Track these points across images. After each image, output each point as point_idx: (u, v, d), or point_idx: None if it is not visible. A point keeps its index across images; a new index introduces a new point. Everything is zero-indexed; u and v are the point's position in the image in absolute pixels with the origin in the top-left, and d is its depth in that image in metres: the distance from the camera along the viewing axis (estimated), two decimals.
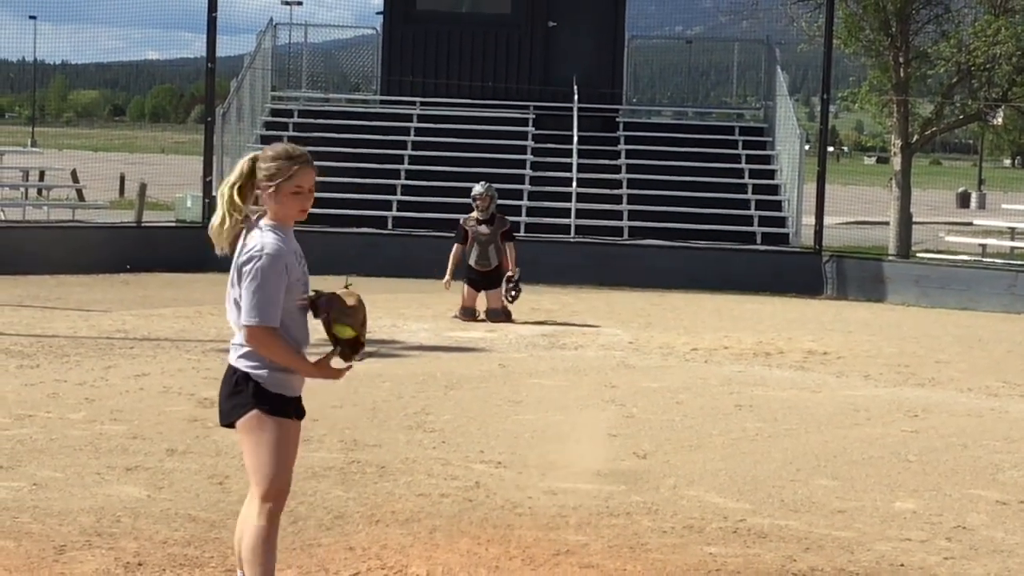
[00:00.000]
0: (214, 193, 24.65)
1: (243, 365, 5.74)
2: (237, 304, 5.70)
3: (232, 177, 5.76)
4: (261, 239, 5.66)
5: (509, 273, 18.17)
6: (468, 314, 18.13)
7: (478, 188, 18.53)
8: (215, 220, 5.77)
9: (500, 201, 23.65)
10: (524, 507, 8.31)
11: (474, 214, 18.49)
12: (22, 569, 6.75)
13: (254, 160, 5.78)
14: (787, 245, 25.42)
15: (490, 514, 8.12)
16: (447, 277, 18.27)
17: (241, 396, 5.75)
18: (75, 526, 7.50)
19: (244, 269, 5.63)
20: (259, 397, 5.76)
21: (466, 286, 18.23)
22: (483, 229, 18.35)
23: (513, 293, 18.15)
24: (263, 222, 5.74)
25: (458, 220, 18.92)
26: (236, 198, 5.73)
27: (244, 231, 5.75)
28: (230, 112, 25.81)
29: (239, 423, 5.79)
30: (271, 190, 5.71)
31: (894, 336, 18.27)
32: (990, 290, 22.84)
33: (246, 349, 5.72)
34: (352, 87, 32.07)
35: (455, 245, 18.48)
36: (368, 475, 8.93)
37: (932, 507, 8.77)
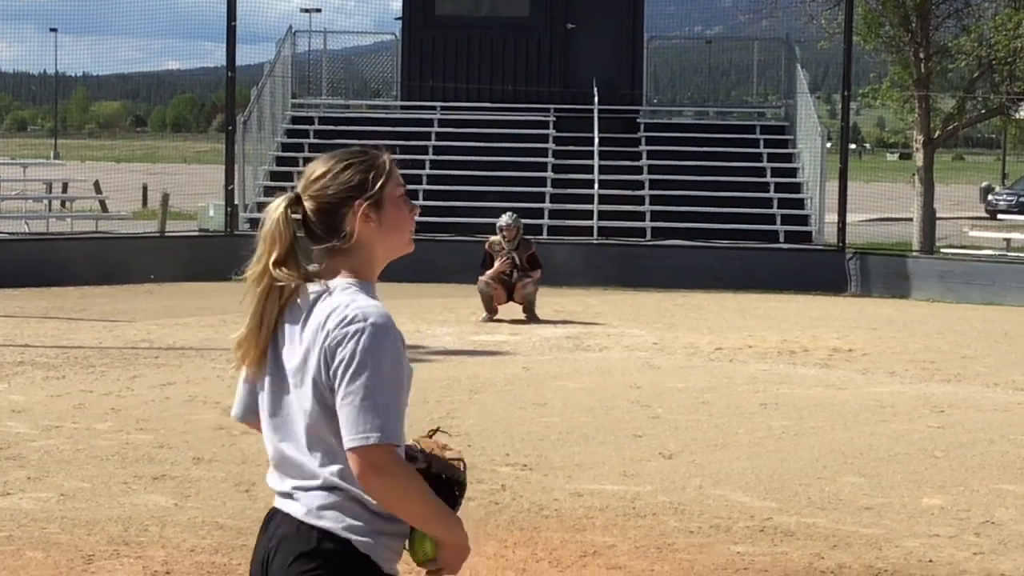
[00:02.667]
0: (236, 202, 24.73)
1: (332, 522, 3.43)
2: (321, 414, 3.44)
3: (268, 247, 3.58)
4: (350, 302, 3.48)
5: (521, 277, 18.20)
6: (490, 308, 18.21)
7: (505, 220, 18.49)
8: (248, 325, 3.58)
9: (522, 204, 23.71)
10: (550, 509, 8.31)
11: (498, 239, 18.48)
12: None
13: (291, 201, 3.57)
14: (810, 243, 25.36)
15: (516, 517, 8.13)
16: (485, 314, 18.27)
17: (321, 571, 3.43)
18: (103, 535, 7.52)
19: (340, 351, 3.40)
20: None
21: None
22: (513, 255, 18.35)
23: (522, 277, 18.15)
24: (338, 281, 3.55)
25: (483, 241, 18.91)
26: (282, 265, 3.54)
27: (292, 303, 3.54)
28: (251, 120, 25.86)
29: None
30: (367, 213, 3.66)
31: (919, 332, 18.22)
32: (1015, 284, 22.75)
33: (334, 497, 3.44)
34: (372, 93, 32.11)
35: (482, 272, 18.38)
36: None
37: (960, 502, 8.74)
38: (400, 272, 22.79)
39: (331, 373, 3.37)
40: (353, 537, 3.43)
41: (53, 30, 72.63)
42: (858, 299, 23.11)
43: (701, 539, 7.75)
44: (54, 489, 8.53)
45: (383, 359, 3.44)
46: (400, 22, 30.52)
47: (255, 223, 25.59)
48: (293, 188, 3.59)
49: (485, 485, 8.89)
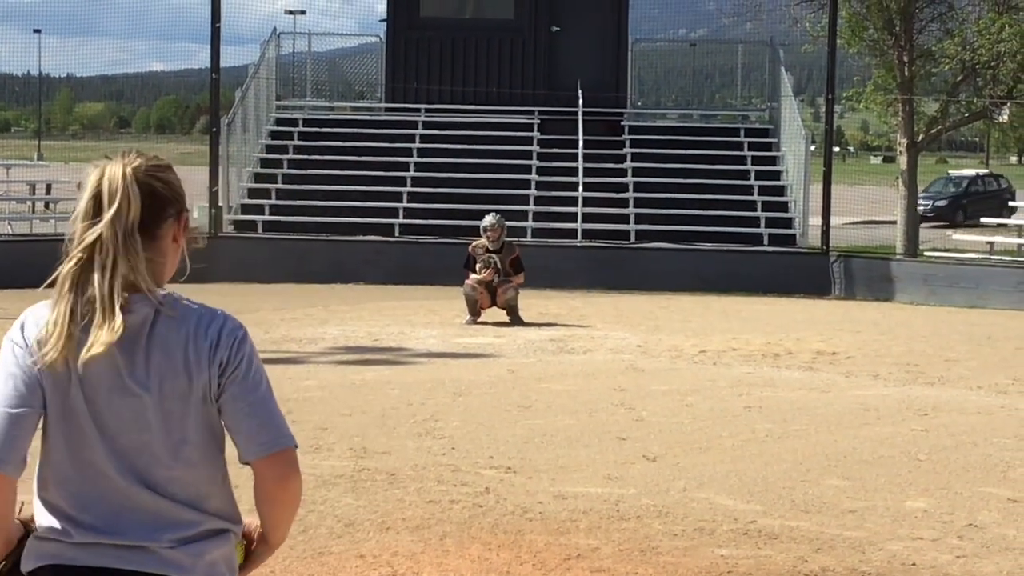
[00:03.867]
0: (220, 203, 24.71)
1: (208, 570, 3.18)
2: (211, 440, 3.22)
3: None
4: (204, 308, 3.25)
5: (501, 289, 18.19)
6: (474, 311, 18.21)
7: (489, 220, 18.50)
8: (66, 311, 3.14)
9: (507, 207, 23.72)
10: (534, 512, 8.31)
11: (483, 241, 18.47)
12: None
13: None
14: (794, 246, 25.41)
15: (500, 519, 8.12)
16: (469, 317, 18.26)
17: None
18: None
19: (239, 356, 3.18)
20: None
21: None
22: (494, 259, 18.34)
23: (503, 282, 18.15)
24: (163, 292, 3.22)
25: (467, 244, 18.93)
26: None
27: (128, 310, 3.11)
28: (235, 122, 25.83)
29: None
30: (184, 223, 3.34)
31: (903, 335, 18.25)
32: (998, 287, 22.81)
33: (221, 541, 3.22)
34: (357, 95, 32.08)
35: (467, 274, 18.38)
36: (378, 482, 8.93)
37: (943, 506, 8.75)
38: (384, 274, 22.72)
39: (214, 387, 3.16)
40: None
41: (37, 31, 72.41)
42: (842, 302, 23.15)
43: (685, 542, 7.75)
44: (32, 492, 8.49)
45: (261, 363, 3.27)
46: (384, 24, 30.53)
47: (240, 225, 25.65)
48: (107, 158, 3.30)
49: (469, 488, 8.88)
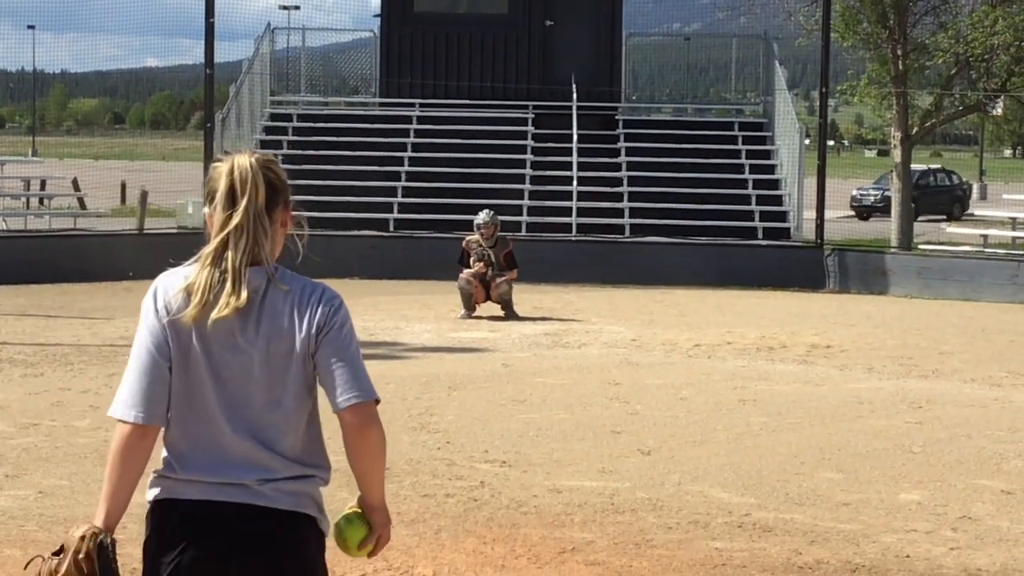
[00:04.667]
0: None
1: (309, 504, 3.76)
2: (306, 398, 3.73)
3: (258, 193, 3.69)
4: (310, 282, 3.79)
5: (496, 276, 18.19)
6: (469, 306, 18.22)
7: (483, 217, 18.48)
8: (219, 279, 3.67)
9: (501, 201, 23.73)
10: (529, 506, 8.32)
11: (477, 237, 18.46)
12: None
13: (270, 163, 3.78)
14: (789, 239, 25.42)
15: (495, 513, 8.13)
16: (463, 311, 18.27)
17: (308, 559, 3.78)
18: None
19: (334, 319, 3.70)
20: (322, 557, 3.85)
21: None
22: (488, 253, 18.34)
23: (496, 276, 18.16)
24: (275, 267, 3.76)
25: (460, 238, 18.93)
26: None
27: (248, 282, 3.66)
28: (229, 118, 25.81)
29: None
30: (290, 211, 3.83)
31: (897, 328, 18.27)
32: (992, 280, 22.83)
33: (305, 484, 3.75)
34: (351, 90, 32.08)
35: (461, 269, 18.38)
36: None
37: (937, 498, 8.77)
38: (379, 269, 22.71)
39: (312, 347, 3.66)
40: (320, 519, 3.78)
41: (31, 27, 72.40)
42: (836, 295, 23.17)
43: (679, 535, 7.77)
44: (32, 487, 8.52)
45: (354, 329, 3.77)
46: (379, 19, 30.48)
47: None
48: (227, 153, 3.88)
49: (464, 482, 8.90)
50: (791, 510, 8.38)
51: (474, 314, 18.24)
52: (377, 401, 3.73)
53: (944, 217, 38.38)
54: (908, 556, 7.46)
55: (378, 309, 18.96)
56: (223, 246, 3.63)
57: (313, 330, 3.66)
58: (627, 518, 8.10)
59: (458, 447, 10.01)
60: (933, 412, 11.93)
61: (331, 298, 3.72)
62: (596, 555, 7.32)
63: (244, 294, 3.60)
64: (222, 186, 3.65)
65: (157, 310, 3.68)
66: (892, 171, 31.52)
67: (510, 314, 18.22)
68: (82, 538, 3.70)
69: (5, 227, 27.51)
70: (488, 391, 12.54)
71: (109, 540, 3.74)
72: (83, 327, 16.50)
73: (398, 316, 18.19)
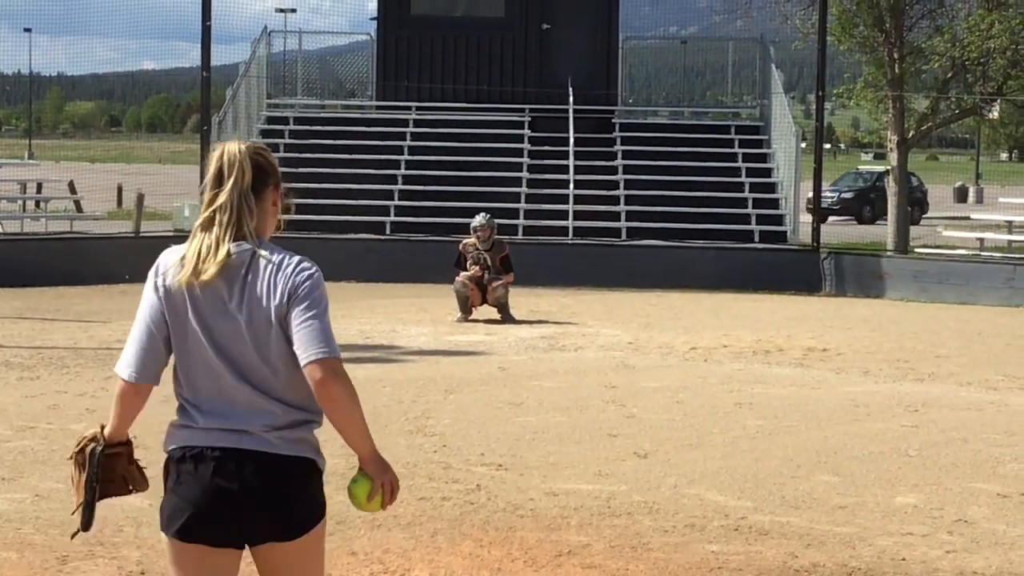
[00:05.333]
0: None
1: (308, 452, 4.21)
2: (290, 355, 4.13)
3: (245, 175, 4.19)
4: (290, 255, 4.21)
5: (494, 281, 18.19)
6: (465, 309, 18.23)
7: (479, 220, 18.50)
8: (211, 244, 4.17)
9: (498, 204, 23.75)
10: (526, 509, 8.32)
11: (473, 240, 18.47)
12: None
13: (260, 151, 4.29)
14: (785, 243, 25.43)
15: (492, 516, 8.14)
16: (460, 315, 18.28)
17: (310, 495, 4.24)
18: (78, 536, 7.49)
19: (304, 289, 4.11)
20: (321, 492, 4.31)
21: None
22: (484, 256, 18.34)
23: (493, 279, 18.16)
24: (261, 240, 4.23)
25: (457, 242, 18.92)
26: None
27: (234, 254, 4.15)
28: (226, 121, 25.81)
29: (306, 537, 4.24)
30: (280, 192, 4.31)
31: (893, 331, 18.28)
32: (988, 284, 22.85)
33: (302, 431, 4.19)
34: (347, 93, 32.08)
35: (458, 272, 18.38)
36: None
37: (933, 501, 8.78)
38: (375, 272, 22.72)
39: (284, 310, 4.09)
40: (317, 460, 4.22)
41: (28, 30, 72.47)
42: (832, 299, 23.18)
43: (676, 538, 7.77)
44: (28, 490, 8.51)
45: (325, 296, 4.16)
46: (375, 22, 30.49)
47: None
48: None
49: (460, 485, 8.90)
50: (787, 513, 8.38)
51: (470, 317, 18.25)
52: (338, 359, 4.09)
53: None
54: (904, 559, 7.47)
55: (374, 312, 18.95)
56: (210, 222, 4.15)
57: (285, 297, 4.09)
58: (623, 521, 8.10)
59: (454, 450, 10.01)
60: (929, 415, 11.94)
61: (305, 268, 4.14)
62: (592, 558, 7.33)
63: (222, 255, 4.09)
64: (212, 168, 4.17)
65: (156, 285, 4.20)
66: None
67: (506, 317, 18.23)
68: (82, 441, 4.42)
69: (1, 230, 27.51)
70: (484, 394, 12.54)
71: (100, 448, 4.40)
72: (79, 330, 16.50)
73: (394, 319, 18.18)
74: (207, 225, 4.16)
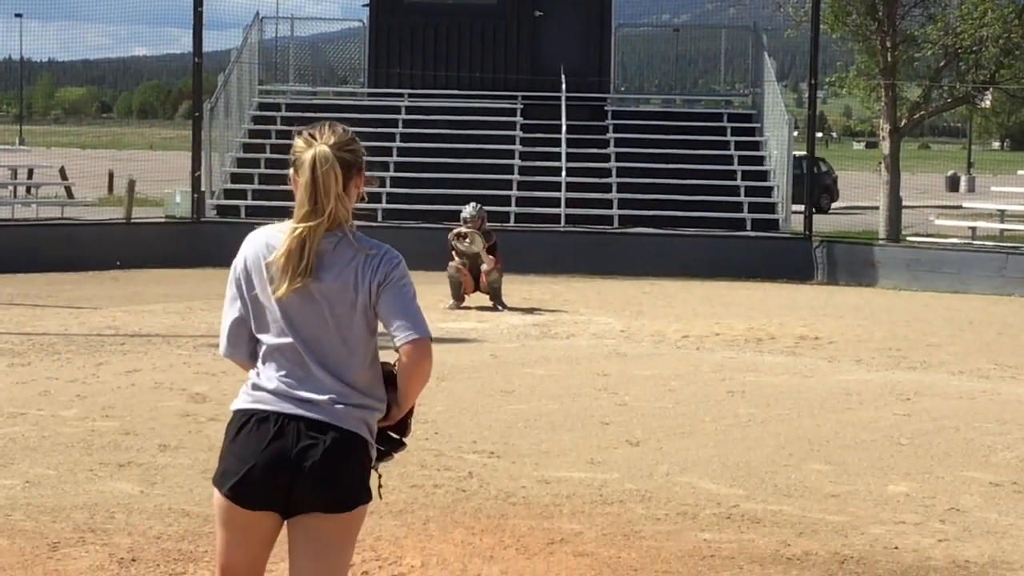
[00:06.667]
0: (203, 188, 24.67)
1: (364, 431, 4.42)
2: (369, 338, 4.46)
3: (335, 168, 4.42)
4: (377, 244, 4.53)
5: (485, 267, 18.17)
6: (458, 295, 18.23)
7: (469, 210, 18.48)
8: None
9: (490, 192, 23.72)
10: (518, 496, 8.32)
11: (463, 229, 18.44)
12: (16, 566, 6.75)
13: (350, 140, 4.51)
14: (777, 231, 25.43)
15: (484, 504, 8.12)
16: (452, 301, 18.28)
17: (362, 474, 4.42)
18: (68, 523, 7.49)
19: (393, 273, 4.45)
20: (369, 477, 4.51)
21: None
22: (472, 247, 18.30)
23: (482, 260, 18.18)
24: (347, 228, 4.49)
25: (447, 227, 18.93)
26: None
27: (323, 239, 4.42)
28: (218, 107, 25.76)
29: (351, 514, 4.43)
30: (363, 174, 4.57)
31: (885, 320, 18.29)
32: (981, 273, 22.86)
33: (362, 412, 4.41)
34: (339, 80, 32.02)
35: (451, 256, 18.38)
36: None
37: (925, 490, 8.78)
38: None
39: (374, 298, 4.40)
40: (371, 443, 4.44)
41: (19, 15, 72.34)
42: (825, 287, 23.19)
43: (668, 526, 7.76)
44: (19, 476, 8.49)
45: (412, 282, 4.51)
46: (367, 9, 30.43)
47: (222, 210, 25.61)
48: (311, 136, 4.41)
49: (452, 472, 8.89)
50: (779, 501, 8.38)
51: (463, 304, 18.23)
52: (431, 339, 4.46)
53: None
54: (896, 548, 7.47)
55: None
56: (303, 236, 4.35)
57: (375, 285, 4.39)
58: (615, 509, 8.09)
59: (446, 438, 10.00)
60: (921, 404, 11.94)
61: (392, 257, 4.47)
62: (584, 546, 7.32)
63: (305, 276, 4.34)
64: (305, 177, 4.36)
65: (237, 275, 4.47)
66: (880, 163, 31.50)
67: (498, 304, 18.21)
68: None
69: None
70: (477, 382, 12.53)
71: None
72: (70, 316, 16.46)
73: None
74: (301, 239, 4.36)
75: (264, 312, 4.44)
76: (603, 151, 27.45)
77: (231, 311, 4.51)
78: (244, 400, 4.45)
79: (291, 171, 4.44)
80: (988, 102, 34.55)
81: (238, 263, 4.49)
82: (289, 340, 4.39)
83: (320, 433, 4.32)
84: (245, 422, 4.39)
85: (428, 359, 4.45)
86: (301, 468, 4.29)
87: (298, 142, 4.41)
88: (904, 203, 31.93)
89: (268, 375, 4.42)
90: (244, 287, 4.46)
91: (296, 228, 4.36)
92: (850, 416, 11.30)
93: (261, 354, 4.46)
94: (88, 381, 11.93)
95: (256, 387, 4.44)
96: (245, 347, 4.51)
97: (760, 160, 27.25)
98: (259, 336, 4.46)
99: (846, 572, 7.06)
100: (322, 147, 4.36)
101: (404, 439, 4.63)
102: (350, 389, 4.38)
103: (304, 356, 4.38)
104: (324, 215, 4.36)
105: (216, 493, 4.42)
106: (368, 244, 4.46)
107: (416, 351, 4.41)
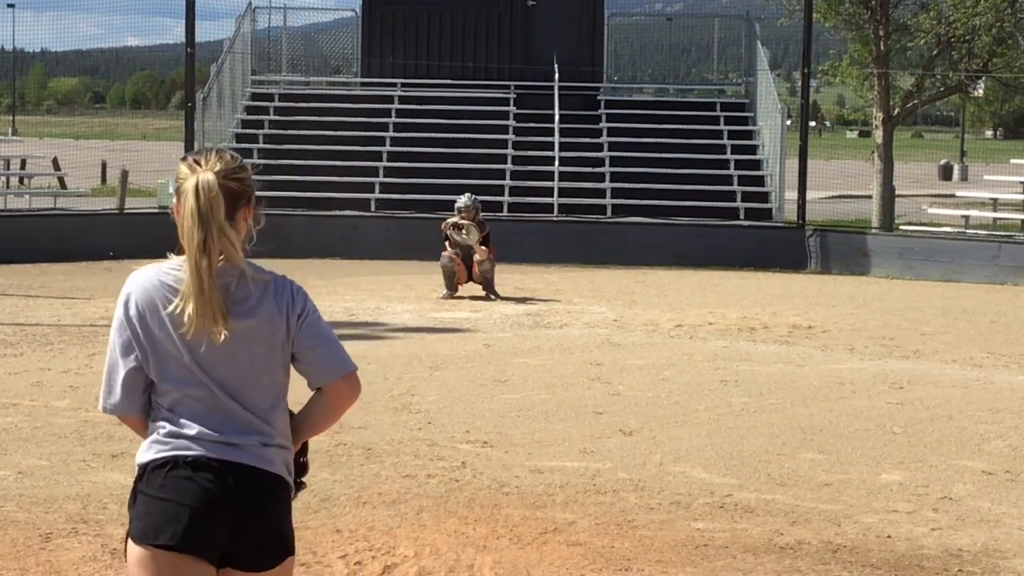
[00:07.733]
0: None
1: (284, 472, 4.14)
2: (284, 375, 4.16)
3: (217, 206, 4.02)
4: (274, 275, 4.16)
5: (478, 257, 18.16)
6: (451, 285, 18.23)
7: (463, 200, 18.45)
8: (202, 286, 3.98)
9: (483, 181, 23.71)
10: (511, 486, 8.31)
11: (456, 219, 18.42)
12: (8, 557, 6.74)
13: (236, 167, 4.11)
14: (770, 220, 25.43)
15: (477, 494, 8.12)
16: (446, 291, 18.28)
17: (287, 519, 4.14)
18: (61, 513, 7.48)
19: (307, 307, 4.12)
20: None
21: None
22: (468, 238, 18.29)
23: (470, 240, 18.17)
24: (241, 262, 4.09)
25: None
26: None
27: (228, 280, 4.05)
28: (211, 97, 25.74)
29: (279, 568, 4.11)
30: (252, 206, 4.15)
31: (878, 309, 18.29)
32: (973, 261, 22.87)
33: (284, 452, 4.13)
34: (332, 70, 31.98)
35: (445, 246, 18.37)
36: (354, 457, 8.93)
37: (918, 478, 8.78)
38: (360, 249, 22.65)
39: (293, 332, 4.09)
40: (289, 480, 4.13)
41: (11, 6, 72.21)
42: (818, 276, 23.19)
43: (661, 516, 7.76)
44: (12, 467, 8.48)
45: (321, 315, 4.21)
46: None
47: None
48: (195, 162, 4.03)
49: (445, 462, 8.88)
50: (773, 491, 8.38)
51: (456, 294, 18.23)
52: (356, 369, 4.19)
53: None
54: (889, 536, 7.47)
55: (359, 289, 18.92)
56: (204, 270, 3.95)
57: (294, 318, 4.07)
58: (609, 499, 8.09)
59: (439, 427, 10.00)
60: (914, 393, 11.95)
61: (298, 287, 4.14)
62: (578, 536, 7.32)
63: (223, 318, 3.96)
64: (188, 204, 3.98)
65: (128, 320, 4.04)
66: (873, 152, 31.53)
67: (492, 294, 18.20)
68: None
69: None
70: (470, 371, 12.53)
71: None
72: (63, 307, 16.45)
73: (379, 296, 18.15)
74: (196, 271, 3.96)
75: (168, 358, 4.00)
76: (596, 140, 27.44)
77: (125, 361, 4.03)
78: (158, 450, 4.03)
79: (174, 200, 4.08)
80: (981, 91, 34.55)
81: (128, 307, 4.03)
82: (202, 384, 4.00)
83: (250, 478, 3.99)
84: (170, 469, 3.98)
85: (358, 391, 4.19)
86: (238, 516, 3.95)
87: (182, 168, 4.04)
88: (897, 192, 31.96)
89: (183, 422, 4.01)
90: (140, 332, 4.00)
91: (194, 262, 3.96)
92: (843, 405, 11.31)
93: (166, 404, 4.04)
94: (81, 372, 11.92)
95: (173, 435, 4.01)
96: (140, 400, 4.07)
97: (753, 149, 27.26)
98: (162, 385, 4.03)
99: (839, 561, 7.06)
100: (206, 174, 3.97)
101: (304, 479, 4.29)
102: (272, 428, 4.06)
103: (220, 399, 4.01)
104: (215, 246, 3.95)
105: (139, 551, 3.94)
106: (266, 273, 4.08)
107: (349, 386, 4.15)
